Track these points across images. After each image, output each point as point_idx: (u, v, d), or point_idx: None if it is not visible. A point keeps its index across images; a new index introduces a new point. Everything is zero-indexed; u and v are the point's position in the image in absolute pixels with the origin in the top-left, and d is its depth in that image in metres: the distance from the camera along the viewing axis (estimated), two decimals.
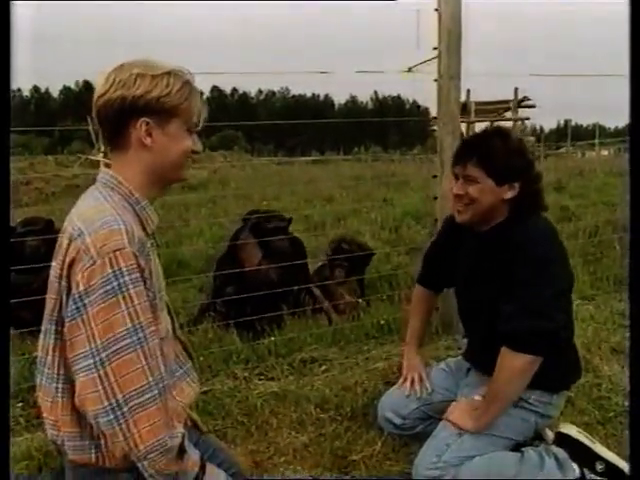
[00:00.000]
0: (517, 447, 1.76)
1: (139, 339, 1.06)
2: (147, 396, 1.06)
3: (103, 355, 1.04)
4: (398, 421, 1.96)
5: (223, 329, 3.01)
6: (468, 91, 15.19)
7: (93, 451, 1.16)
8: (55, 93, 65.40)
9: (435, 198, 2.82)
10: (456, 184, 1.71)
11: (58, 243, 1.16)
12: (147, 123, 1.15)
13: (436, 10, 2.62)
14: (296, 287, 3.30)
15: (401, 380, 2.04)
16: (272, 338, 2.85)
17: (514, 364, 1.59)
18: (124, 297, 1.04)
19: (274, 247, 3.32)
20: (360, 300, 3.39)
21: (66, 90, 64.60)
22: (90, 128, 16.13)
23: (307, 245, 3.94)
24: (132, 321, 1.05)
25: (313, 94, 77.55)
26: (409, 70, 2.94)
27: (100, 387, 1.04)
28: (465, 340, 2.10)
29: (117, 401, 1.04)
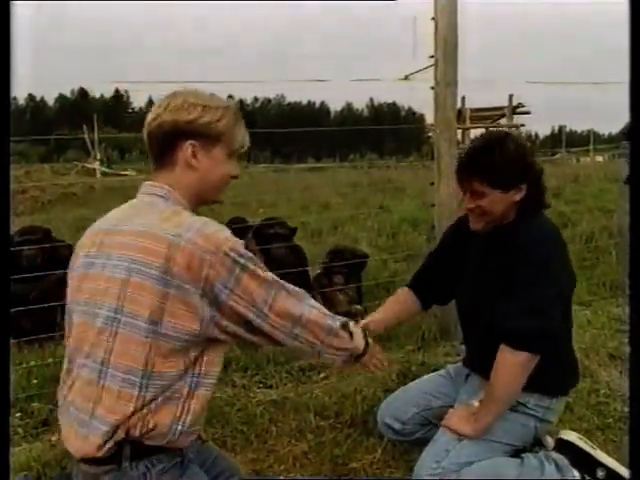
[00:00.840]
0: (517, 453, 1.76)
1: (281, 284, 1.24)
2: (319, 313, 1.34)
3: (265, 309, 1.20)
4: (398, 427, 1.95)
5: None
6: (463, 98, 15.28)
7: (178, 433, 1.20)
8: (51, 101, 65.52)
9: (433, 205, 2.83)
10: (465, 198, 1.72)
11: (138, 248, 1.16)
12: (194, 145, 1.26)
13: (433, 19, 2.64)
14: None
15: (404, 387, 2.05)
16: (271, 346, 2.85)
17: (512, 361, 1.59)
18: (254, 264, 1.20)
19: (276, 254, 3.33)
20: (358, 307, 3.39)
21: (62, 98, 64.71)
22: (86, 136, 16.21)
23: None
24: (270, 275, 1.22)
25: (309, 101, 77.92)
26: (406, 78, 2.96)
27: (289, 327, 1.24)
28: (463, 346, 2.10)
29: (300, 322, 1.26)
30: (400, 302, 2.03)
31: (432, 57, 2.70)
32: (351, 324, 1.49)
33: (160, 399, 1.16)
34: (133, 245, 1.17)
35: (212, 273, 1.13)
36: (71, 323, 1.27)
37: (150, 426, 1.16)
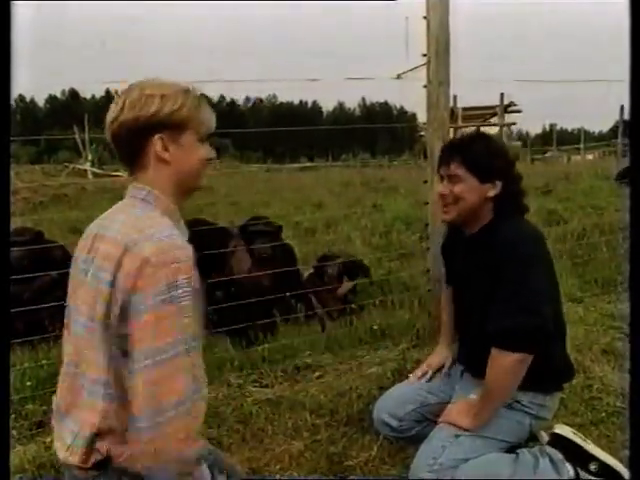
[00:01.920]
0: (512, 449, 1.78)
1: (186, 350, 1.09)
2: (186, 406, 1.08)
3: (149, 362, 1.06)
4: (395, 423, 1.97)
5: (216, 336, 3.00)
6: (455, 97, 15.33)
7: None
8: (41, 102, 65.03)
9: (426, 203, 2.84)
10: (441, 184, 1.76)
11: (99, 253, 1.17)
12: (162, 139, 1.21)
13: (425, 18, 2.65)
14: (288, 294, 3.30)
15: (400, 383, 2.08)
16: (265, 345, 2.85)
17: (504, 363, 1.60)
18: (177, 308, 1.08)
19: (264, 254, 3.33)
20: (353, 306, 3.40)
21: (52, 99, 64.24)
22: (77, 137, 16.11)
23: (298, 251, 3.95)
24: (181, 332, 1.08)
25: (301, 101, 77.86)
26: (398, 77, 2.96)
27: (143, 393, 1.06)
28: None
29: (158, 408, 1.06)
30: (450, 299, 2.09)
31: (424, 56, 2.70)
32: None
33: (123, 407, 1.15)
34: (105, 252, 1.16)
35: (139, 284, 1.07)
36: (69, 326, 1.26)
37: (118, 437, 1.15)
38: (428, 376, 2.03)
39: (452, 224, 1.90)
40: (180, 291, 1.08)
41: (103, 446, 1.15)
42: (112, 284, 1.11)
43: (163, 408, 1.06)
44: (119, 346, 1.12)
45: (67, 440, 1.19)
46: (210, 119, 1.30)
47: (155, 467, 1.10)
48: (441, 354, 2.09)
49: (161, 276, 1.07)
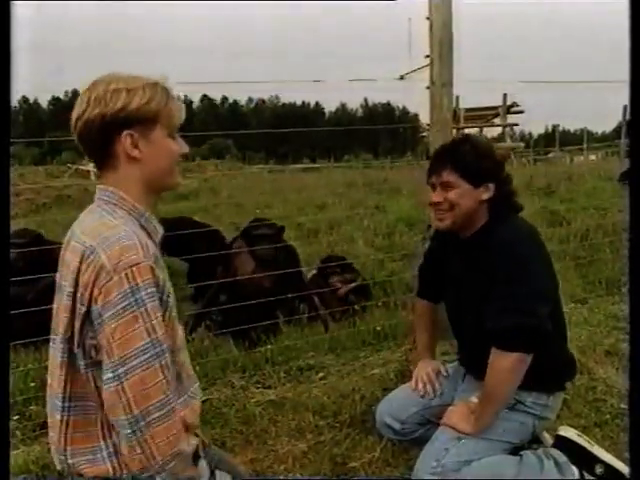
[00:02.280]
0: (515, 450, 1.77)
1: (157, 354, 1.07)
2: (164, 410, 1.07)
3: (121, 370, 1.04)
4: (397, 426, 1.96)
5: (219, 338, 3.00)
6: (457, 98, 15.31)
7: (109, 461, 1.16)
8: (44, 104, 65.22)
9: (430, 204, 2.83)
10: (433, 193, 1.75)
11: (63, 261, 1.16)
12: (131, 135, 1.15)
13: (427, 18, 2.65)
14: (290, 295, 3.30)
15: (405, 385, 2.06)
16: (268, 346, 2.85)
17: (503, 364, 1.60)
18: (141, 312, 1.05)
19: (267, 256, 3.33)
20: (356, 307, 3.40)
21: (55, 100, 64.41)
22: None
23: (301, 253, 3.95)
24: (149, 336, 1.06)
25: (303, 102, 77.89)
26: (401, 78, 2.96)
27: (118, 401, 1.05)
28: None
29: (134, 416, 1.05)
30: (425, 314, 2.12)
31: (427, 57, 2.70)
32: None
33: (82, 421, 1.16)
34: (67, 261, 1.14)
35: (98, 294, 1.05)
36: None
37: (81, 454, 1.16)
38: (434, 388, 1.99)
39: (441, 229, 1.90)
40: (143, 293, 1.05)
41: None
42: (73, 295, 1.09)
43: (140, 415, 1.05)
44: (85, 357, 1.12)
45: (55, 454, 1.21)
46: (180, 112, 1.23)
47: (147, 472, 1.09)
48: (431, 363, 2.06)
49: (120, 282, 1.04)
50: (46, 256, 3.35)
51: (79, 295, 1.08)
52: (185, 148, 1.25)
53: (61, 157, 24.99)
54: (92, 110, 1.12)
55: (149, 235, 1.20)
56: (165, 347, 1.09)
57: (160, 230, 1.25)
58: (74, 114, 1.15)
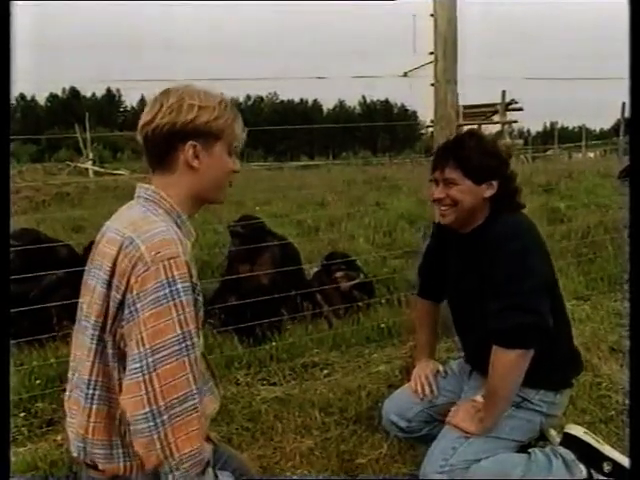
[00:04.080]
0: (523, 448, 1.77)
1: (186, 347, 1.08)
2: (187, 404, 1.07)
3: (150, 360, 1.05)
4: (403, 424, 1.96)
5: (223, 335, 3.01)
6: (457, 95, 15.28)
7: (122, 460, 1.17)
8: (42, 100, 65.05)
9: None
10: (436, 189, 1.74)
11: (99, 251, 1.19)
12: (195, 146, 1.21)
13: (432, 15, 2.65)
14: (293, 292, 3.30)
15: (408, 384, 2.05)
16: (273, 343, 2.85)
17: (505, 360, 1.60)
18: (175, 304, 1.06)
19: (267, 253, 3.35)
20: (360, 304, 3.40)
21: (52, 97, 64.25)
22: (78, 135, 16.09)
23: (301, 250, 3.95)
24: (181, 328, 1.07)
25: (302, 99, 77.78)
26: (405, 74, 2.96)
27: (144, 392, 1.05)
28: None
29: (158, 408, 1.05)
30: (426, 314, 2.11)
31: (432, 54, 2.70)
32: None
33: (105, 412, 1.16)
34: (104, 251, 1.17)
35: (134, 283, 1.07)
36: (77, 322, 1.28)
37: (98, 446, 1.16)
38: (432, 389, 1.98)
39: (439, 226, 1.90)
40: (179, 286, 1.07)
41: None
42: (109, 283, 1.12)
43: (164, 407, 1.05)
44: (114, 347, 1.13)
45: (74, 441, 1.20)
46: (242, 133, 1.31)
47: (163, 467, 1.09)
48: (429, 363, 2.04)
49: (157, 273, 1.06)
50: (44, 255, 3.35)
51: (115, 284, 1.10)
52: (237, 166, 1.32)
53: (59, 154, 24.94)
54: (162, 117, 1.19)
55: (184, 236, 1.22)
56: (195, 341, 1.10)
57: (193, 234, 1.29)
58: (143, 118, 1.22)
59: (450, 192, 1.69)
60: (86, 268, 1.25)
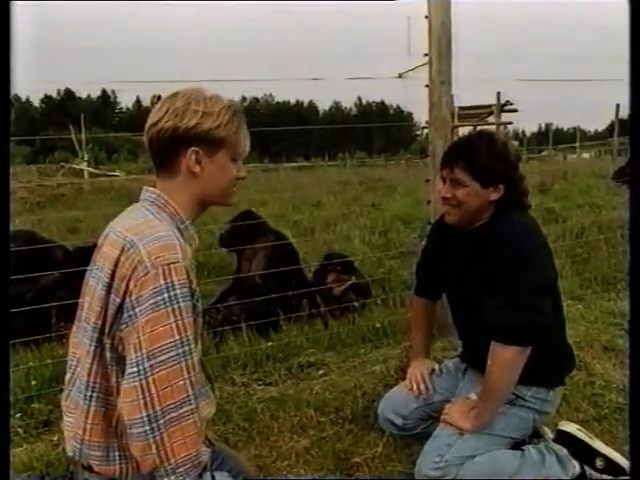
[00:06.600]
0: (517, 445, 1.79)
1: (184, 352, 1.08)
2: (184, 410, 1.08)
3: (147, 365, 1.05)
4: (399, 422, 1.97)
5: (219, 335, 3.01)
6: (451, 96, 15.33)
7: (118, 463, 1.17)
8: (36, 102, 64.80)
9: (428, 202, 2.85)
10: (443, 187, 1.76)
11: (102, 252, 1.19)
12: (197, 152, 1.20)
13: (426, 17, 2.66)
14: (291, 292, 3.31)
15: (404, 382, 2.06)
16: (269, 343, 2.86)
17: (504, 356, 1.61)
18: (173, 310, 1.06)
19: (266, 253, 3.36)
20: (355, 304, 3.41)
21: (47, 99, 64.03)
22: (73, 137, 16.03)
23: (297, 250, 3.96)
24: (179, 334, 1.07)
25: (297, 100, 77.77)
26: (400, 76, 2.98)
27: (140, 396, 1.05)
28: (460, 341, 2.12)
29: (155, 412, 1.05)
30: (422, 312, 2.12)
31: (426, 55, 2.71)
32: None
33: (102, 414, 1.16)
34: (105, 253, 1.17)
35: (134, 286, 1.07)
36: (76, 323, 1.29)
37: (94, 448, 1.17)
38: (427, 387, 2.00)
39: (440, 223, 1.91)
40: (178, 291, 1.07)
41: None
42: (109, 285, 1.12)
43: (160, 412, 1.05)
44: (113, 350, 1.13)
45: (71, 441, 1.21)
46: (247, 141, 1.29)
47: (159, 471, 1.09)
48: (425, 362, 2.07)
49: (156, 277, 1.06)
50: (41, 256, 3.35)
51: (115, 287, 1.10)
52: (243, 173, 1.31)
53: (54, 156, 24.86)
54: (167, 121, 1.18)
55: (186, 242, 1.22)
56: (193, 347, 1.10)
57: (196, 240, 1.29)
58: (150, 120, 1.21)
59: (456, 193, 1.70)
60: (89, 268, 1.25)
